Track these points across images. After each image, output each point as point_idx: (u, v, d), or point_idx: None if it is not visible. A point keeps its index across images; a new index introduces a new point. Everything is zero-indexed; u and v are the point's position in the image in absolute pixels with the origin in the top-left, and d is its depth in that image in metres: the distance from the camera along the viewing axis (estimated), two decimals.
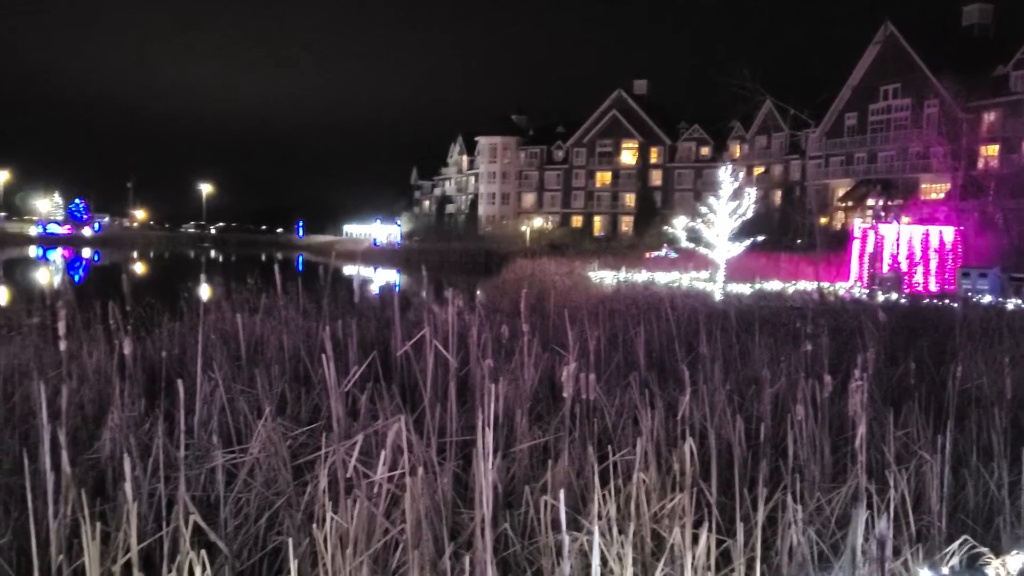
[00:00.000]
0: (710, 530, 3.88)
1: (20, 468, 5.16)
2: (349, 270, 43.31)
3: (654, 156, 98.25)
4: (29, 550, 4.44)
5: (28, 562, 4.38)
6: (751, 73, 34.16)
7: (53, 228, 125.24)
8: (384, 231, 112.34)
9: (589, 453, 4.66)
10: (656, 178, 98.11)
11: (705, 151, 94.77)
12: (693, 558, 3.84)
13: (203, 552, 3.67)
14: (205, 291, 13.05)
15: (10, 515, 4.74)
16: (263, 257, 74.32)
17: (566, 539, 3.51)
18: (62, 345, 4.84)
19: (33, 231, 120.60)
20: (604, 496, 4.10)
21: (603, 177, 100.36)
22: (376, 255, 79.72)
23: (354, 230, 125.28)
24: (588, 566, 3.77)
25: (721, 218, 26.58)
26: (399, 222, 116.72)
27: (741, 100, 35.71)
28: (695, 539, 3.90)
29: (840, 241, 39.57)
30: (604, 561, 3.86)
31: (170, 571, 3.79)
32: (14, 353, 7.73)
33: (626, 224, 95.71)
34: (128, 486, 3.62)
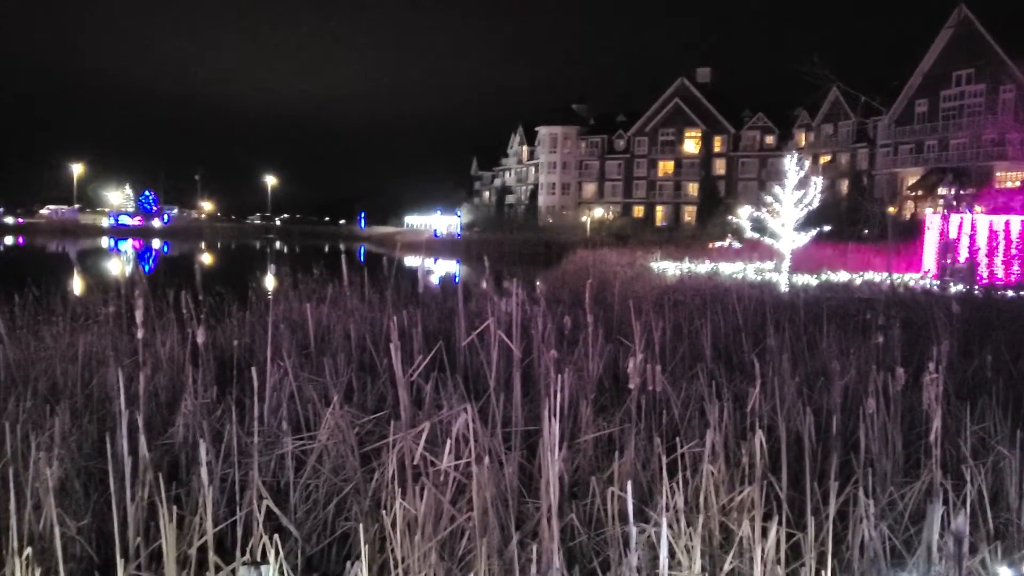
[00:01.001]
0: (780, 523, 3.83)
1: (99, 452, 5.34)
2: (410, 261, 43.68)
3: (717, 145, 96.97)
4: (107, 531, 4.59)
5: (107, 543, 4.52)
6: (820, 60, 33.33)
7: (124, 219, 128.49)
8: (444, 222, 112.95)
9: (656, 445, 4.62)
10: (719, 167, 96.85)
11: (770, 139, 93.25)
12: (762, 551, 3.79)
13: (276, 536, 3.74)
14: (272, 281, 13.29)
15: (90, 498, 4.90)
16: (326, 248, 75.40)
17: (633, 530, 3.50)
18: (139, 334, 4.98)
19: (105, 222, 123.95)
20: (672, 488, 4.08)
21: (665, 166, 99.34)
22: (436, 246, 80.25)
23: (415, 221, 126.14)
24: (655, 558, 3.75)
25: (786, 207, 26.08)
26: (459, 213, 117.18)
27: (811, 88, 34.89)
28: (764, 532, 3.85)
29: (910, 231, 38.57)
30: (672, 553, 3.84)
31: (243, 554, 3.87)
32: (91, 341, 7.95)
33: (689, 214, 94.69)
34: (204, 471, 3.70)
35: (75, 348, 7.59)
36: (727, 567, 3.90)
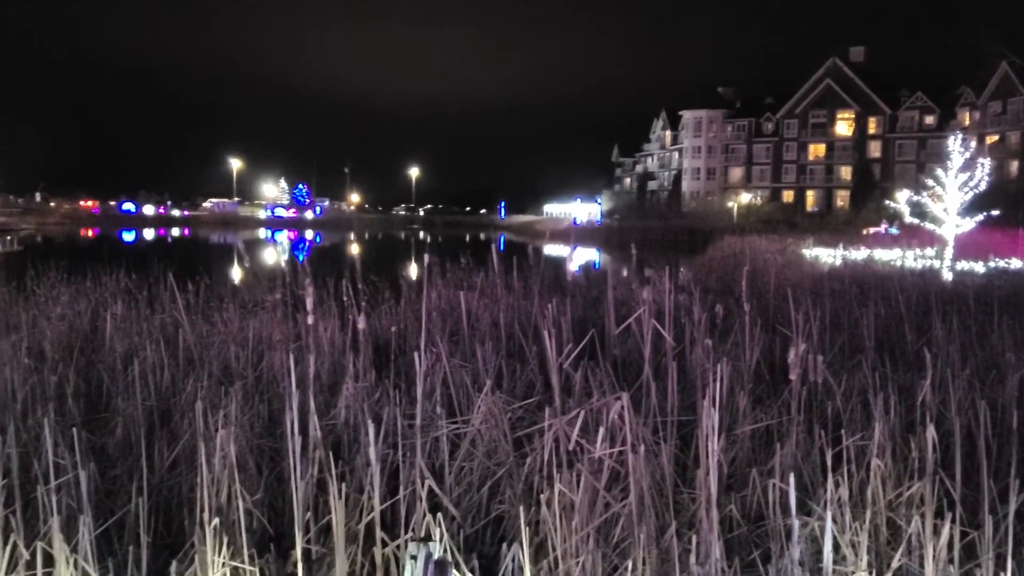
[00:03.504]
0: (953, 521, 3.65)
1: (269, 432, 5.65)
2: (548, 249, 43.86)
3: (872, 127, 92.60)
4: (278, 507, 4.86)
5: (278, 517, 4.79)
6: (989, 33, 31.10)
7: (280, 212, 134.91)
8: (584, 210, 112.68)
9: (818, 437, 4.49)
10: (874, 150, 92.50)
11: (929, 120, 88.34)
12: (934, 550, 3.63)
13: (439, 515, 3.87)
14: (420, 270, 13.65)
15: (262, 474, 5.18)
16: (467, 237, 76.72)
17: (796, 523, 3.43)
18: (309, 319, 5.23)
19: (262, 214, 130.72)
20: (836, 481, 3.95)
21: (816, 149, 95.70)
22: (576, 233, 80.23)
23: (554, 209, 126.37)
24: (818, 552, 3.66)
25: (950, 191, 24.65)
26: (599, 200, 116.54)
27: (978, 64, 32.65)
28: (936, 530, 3.68)
29: None
30: (836, 547, 3.73)
31: (405, 532, 4.02)
32: (259, 326, 8.39)
33: (841, 199, 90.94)
34: (372, 451, 3.86)
35: (244, 333, 8.02)
36: (895, 564, 3.76)
